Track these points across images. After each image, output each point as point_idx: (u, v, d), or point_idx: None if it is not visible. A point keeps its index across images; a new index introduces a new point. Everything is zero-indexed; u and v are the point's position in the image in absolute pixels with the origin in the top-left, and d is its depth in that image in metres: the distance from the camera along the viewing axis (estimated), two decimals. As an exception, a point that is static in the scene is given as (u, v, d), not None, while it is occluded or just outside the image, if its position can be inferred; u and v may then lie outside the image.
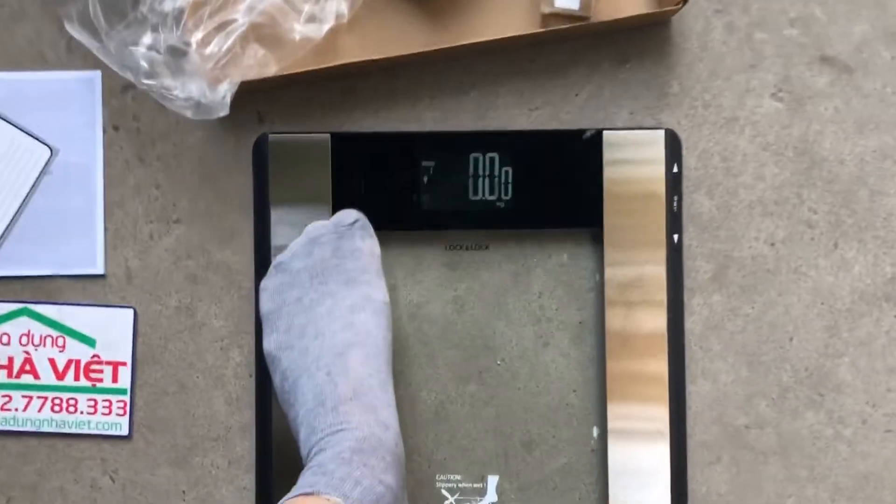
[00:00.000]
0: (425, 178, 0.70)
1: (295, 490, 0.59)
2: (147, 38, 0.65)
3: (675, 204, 0.70)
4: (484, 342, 0.72)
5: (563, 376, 0.71)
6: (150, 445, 0.72)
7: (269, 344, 0.67)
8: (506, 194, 0.70)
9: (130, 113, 0.72)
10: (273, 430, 0.70)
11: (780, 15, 0.72)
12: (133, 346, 0.72)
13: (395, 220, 0.70)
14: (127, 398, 0.72)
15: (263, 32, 0.68)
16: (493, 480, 0.71)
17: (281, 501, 0.58)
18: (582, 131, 0.70)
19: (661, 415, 0.69)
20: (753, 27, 0.72)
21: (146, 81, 0.63)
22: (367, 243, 0.68)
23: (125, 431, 0.72)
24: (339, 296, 0.66)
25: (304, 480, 0.60)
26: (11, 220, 0.71)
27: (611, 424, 0.69)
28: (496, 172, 0.70)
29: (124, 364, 0.72)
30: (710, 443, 0.71)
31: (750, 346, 0.72)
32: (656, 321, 0.70)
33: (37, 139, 0.72)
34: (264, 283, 0.68)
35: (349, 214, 0.68)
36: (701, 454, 0.71)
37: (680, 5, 0.68)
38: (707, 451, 0.71)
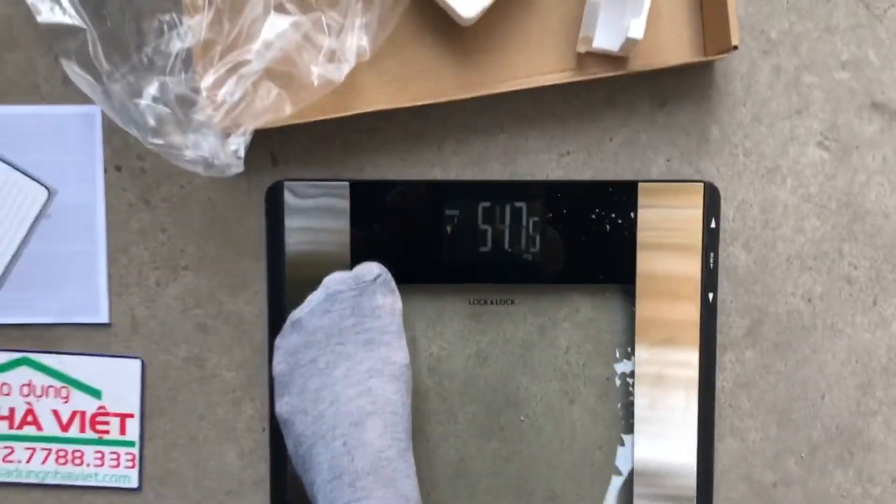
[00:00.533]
0: (448, 229, 0.66)
1: None
2: (152, 88, 0.60)
3: (711, 261, 0.67)
4: (507, 397, 0.69)
5: (590, 434, 0.69)
6: (161, 499, 0.69)
7: (281, 407, 0.64)
8: (533, 247, 0.67)
9: (134, 152, 0.67)
10: (288, 484, 0.67)
11: (830, 57, 0.67)
12: (141, 397, 0.69)
13: (416, 273, 0.67)
14: (136, 450, 0.69)
15: (278, 71, 0.63)
16: (513, 538, 0.69)
17: None
18: (615, 183, 0.66)
19: (688, 472, 0.67)
20: (802, 70, 0.68)
21: (153, 141, 0.59)
22: (388, 300, 0.65)
23: (134, 484, 0.69)
24: (356, 358, 0.63)
25: None
26: (8, 265, 0.67)
27: (637, 481, 0.67)
28: (523, 223, 0.66)
29: (132, 416, 0.69)
30: (736, 500, 0.70)
31: (780, 404, 0.70)
32: (687, 379, 0.67)
33: (33, 179, 0.67)
34: (278, 341, 0.65)
35: (371, 269, 0.65)
36: (726, 510, 0.70)
37: (726, 54, 0.63)
38: (732, 507, 0.70)
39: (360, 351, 0.63)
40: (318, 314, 0.64)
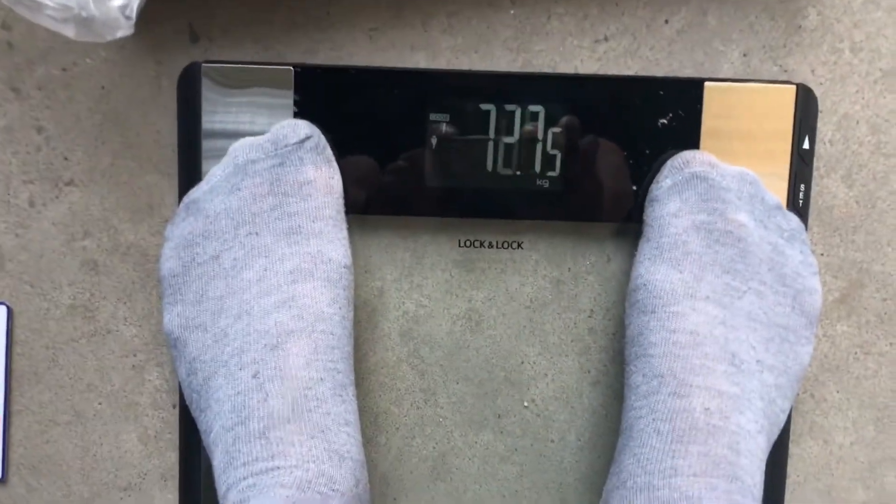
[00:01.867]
0: (433, 140, 0.47)
1: None
2: None
3: (800, 196, 0.48)
4: (506, 375, 0.51)
5: (618, 426, 0.51)
6: (34, 494, 0.52)
7: (171, 320, 0.47)
8: (552, 169, 0.48)
9: (-2, 17, 0.49)
10: (203, 478, 0.49)
11: (984, -87, 0.48)
12: (6, 357, 0.51)
13: (385, 200, 0.48)
14: (-1, 429, 0.51)
15: None
16: (509, 565, 0.51)
17: None
18: (671, 82, 0.47)
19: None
20: (941, -69, 0.48)
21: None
22: (322, 173, 0.46)
23: (-3, 474, 0.51)
24: (276, 254, 0.45)
25: None
26: None
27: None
28: (540, 136, 0.47)
29: (-5, 382, 0.51)
30: (811, 523, 0.52)
31: (882, 397, 0.51)
32: (755, 359, 0.48)
33: None
34: (169, 229, 0.47)
35: (296, 128, 0.46)
36: (797, 537, 0.52)
37: None
38: (806, 533, 0.52)
39: (280, 244, 0.45)
40: (222, 193, 0.46)
